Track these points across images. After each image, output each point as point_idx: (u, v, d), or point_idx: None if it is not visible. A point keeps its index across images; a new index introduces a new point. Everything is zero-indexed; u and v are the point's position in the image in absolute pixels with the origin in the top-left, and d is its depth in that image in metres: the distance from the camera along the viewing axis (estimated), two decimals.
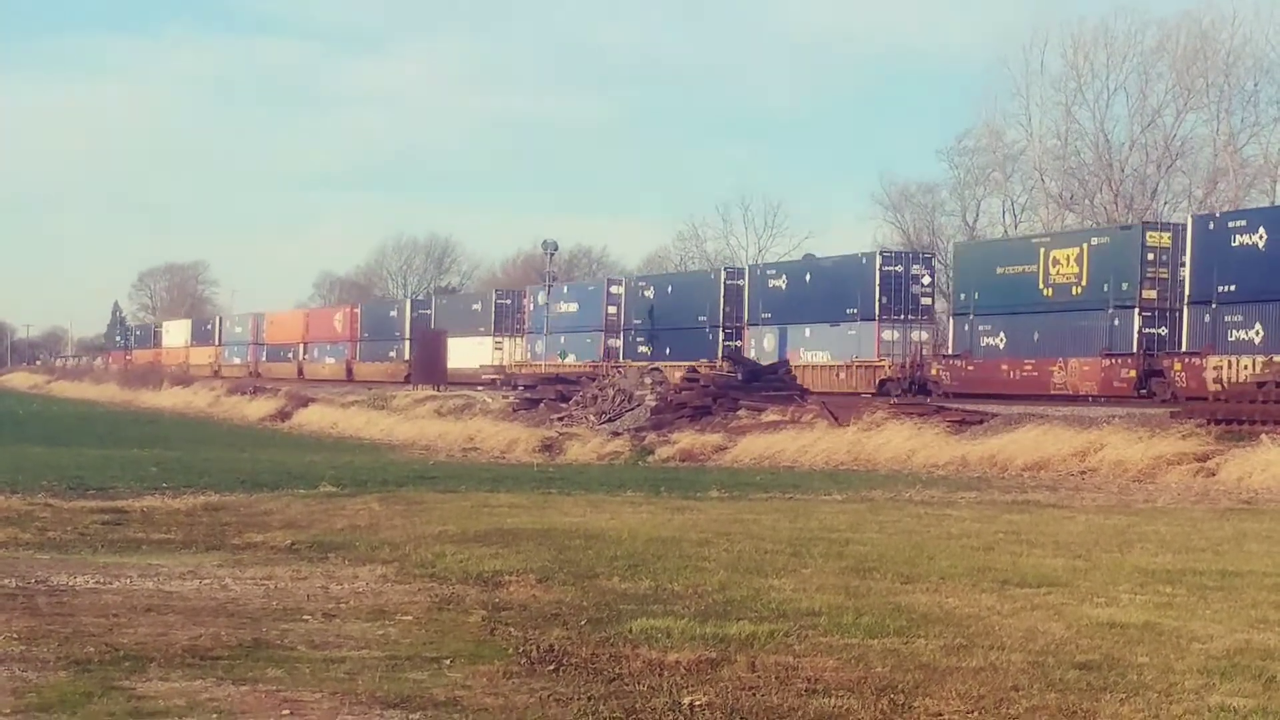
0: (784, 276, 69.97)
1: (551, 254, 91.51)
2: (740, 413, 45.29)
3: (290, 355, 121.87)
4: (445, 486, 27.37)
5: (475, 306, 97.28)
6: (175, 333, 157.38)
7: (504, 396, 58.56)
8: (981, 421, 39.48)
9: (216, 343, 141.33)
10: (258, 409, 66.81)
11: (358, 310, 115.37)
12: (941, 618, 12.83)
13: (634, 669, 10.46)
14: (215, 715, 9.11)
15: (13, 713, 9.05)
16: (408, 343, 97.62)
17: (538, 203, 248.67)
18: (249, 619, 12.52)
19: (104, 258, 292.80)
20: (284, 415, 62.96)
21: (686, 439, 41.44)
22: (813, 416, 42.86)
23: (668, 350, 74.57)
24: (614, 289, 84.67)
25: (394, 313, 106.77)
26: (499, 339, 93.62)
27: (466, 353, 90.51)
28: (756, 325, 69.38)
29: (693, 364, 56.05)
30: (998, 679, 10.24)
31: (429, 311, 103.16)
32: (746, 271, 75.98)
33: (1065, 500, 26.82)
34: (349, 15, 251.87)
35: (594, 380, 53.07)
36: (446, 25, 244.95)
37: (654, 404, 46.42)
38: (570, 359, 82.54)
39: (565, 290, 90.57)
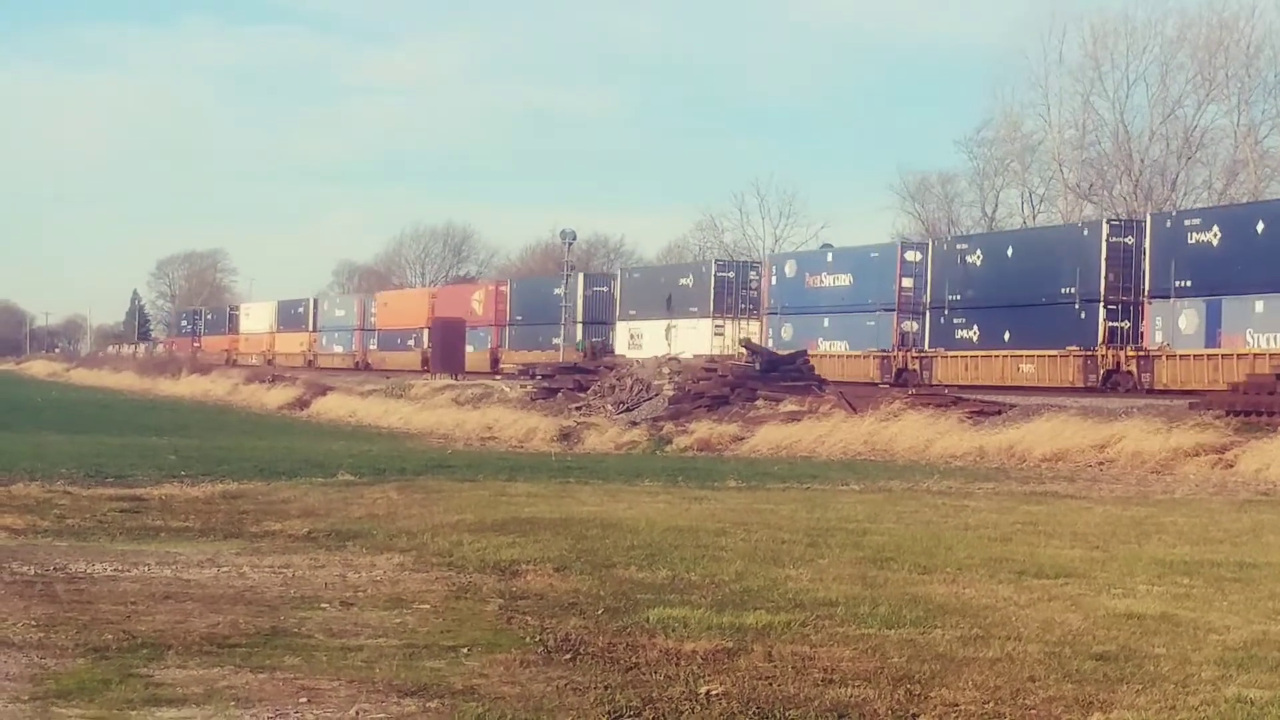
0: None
1: (570, 243, 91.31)
2: (758, 403, 45.26)
3: (411, 342, 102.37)
4: (463, 475, 27.40)
5: (684, 281, 77.98)
6: (257, 316, 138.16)
7: (522, 386, 58.55)
8: (999, 412, 39.44)
9: (310, 328, 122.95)
10: (276, 397, 66.88)
11: (506, 289, 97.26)
12: (958, 608, 12.83)
13: (651, 658, 10.48)
14: (233, 703, 9.13)
15: (31, 699, 9.07)
16: (580, 327, 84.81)
17: (554, 193, 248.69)
18: (267, 607, 12.54)
19: (122, 247, 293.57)
20: (302, 404, 63.04)
21: (704, 429, 41.44)
22: (830, 406, 42.83)
23: (1006, 335, 55.00)
24: (911, 254, 62.24)
25: (559, 290, 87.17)
26: (719, 321, 74.40)
27: (664, 339, 73.69)
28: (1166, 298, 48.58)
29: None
30: (1014, 670, 10.24)
31: (606, 289, 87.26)
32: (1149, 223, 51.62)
33: (1083, 491, 26.79)
34: (366, 6, 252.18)
35: (612, 369, 53.02)
36: (462, 17, 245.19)
37: (672, 394, 46.39)
38: (839, 347, 63.72)
39: (829, 258, 68.54)
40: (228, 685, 9.58)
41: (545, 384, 55.35)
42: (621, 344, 77.93)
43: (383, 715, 8.89)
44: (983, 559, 16.07)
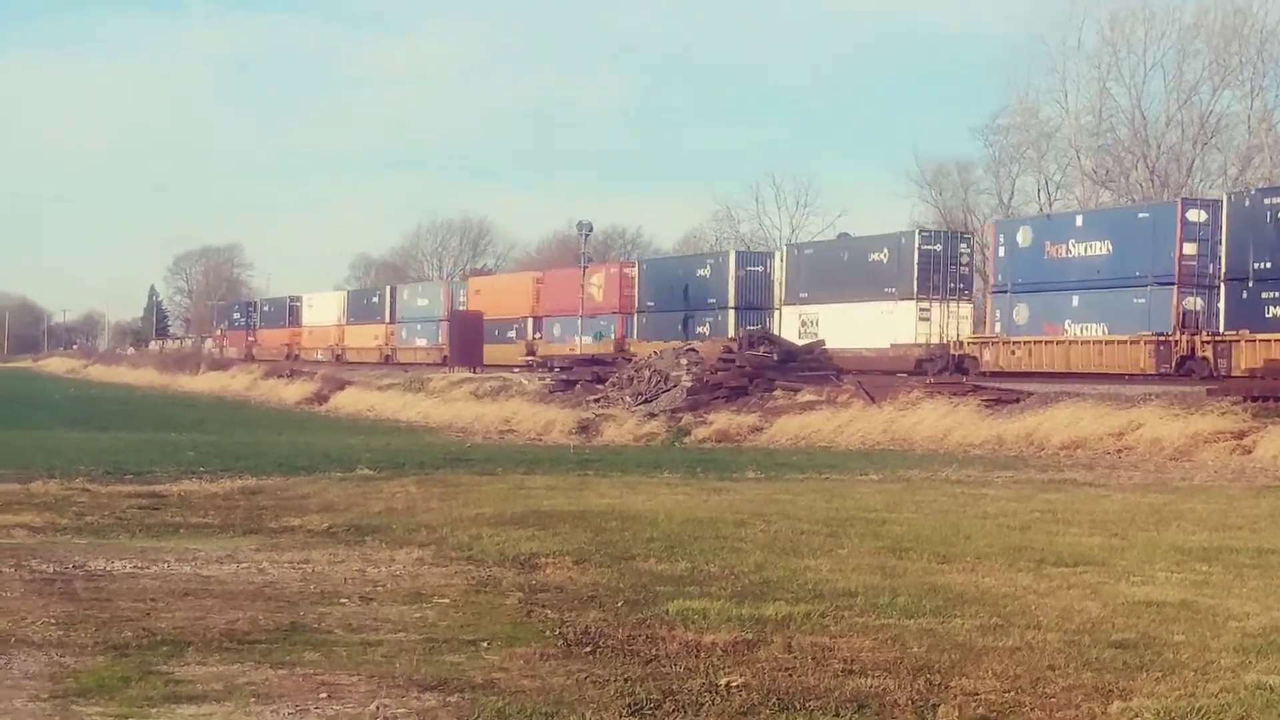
0: None
1: (586, 235, 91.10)
2: (776, 393, 45.26)
3: (512, 333, 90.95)
4: (482, 469, 27.42)
5: (876, 256, 64.53)
6: (323, 307, 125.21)
7: (540, 378, 58.59)
8: (1017, 400, 39.37)
9: (387, 319, 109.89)
10: (294, 392, 67.03)
11: (634, 271, 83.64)
12: (978, 597, 12.82)
13: (670, 650, 10.48)
14: (253, 699, 9.14)
15: (50, 698, 9.09)
16: (733, 314, 72.44)
17: (570, 184, 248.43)
18: (286, 603, 12.56)
19: (138, 243, 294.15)
20: (321, 398, 63.15)
21: (722, 420, 41.46)
22: (848, 396, 42.83)
23: None
24: (1194, 213, 49.37)
25: (703, 272, 76.77)
26: (925, 304, 61.29)
27: (849, 326, 62.45)
28: None
29: (728, 344, 54.91)
30: (1034, 658, 10.23)
31: (762, 269, 74.25)
32: None
33: (1101, 479, 26.76)
34: None
35: (630, 361, 53.05)
36: (472, 3, 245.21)
37: (690, 385, 46.39)
38: (1096, 330, 51.61)
39: (1079, 222, 55.06)
40: (247, 681, 9.59)
41: (563, 376, 55.39)
42: (789, 332, 63.95)
43: (403, 710, 8.90)
44: (1001, 547, 16.07)
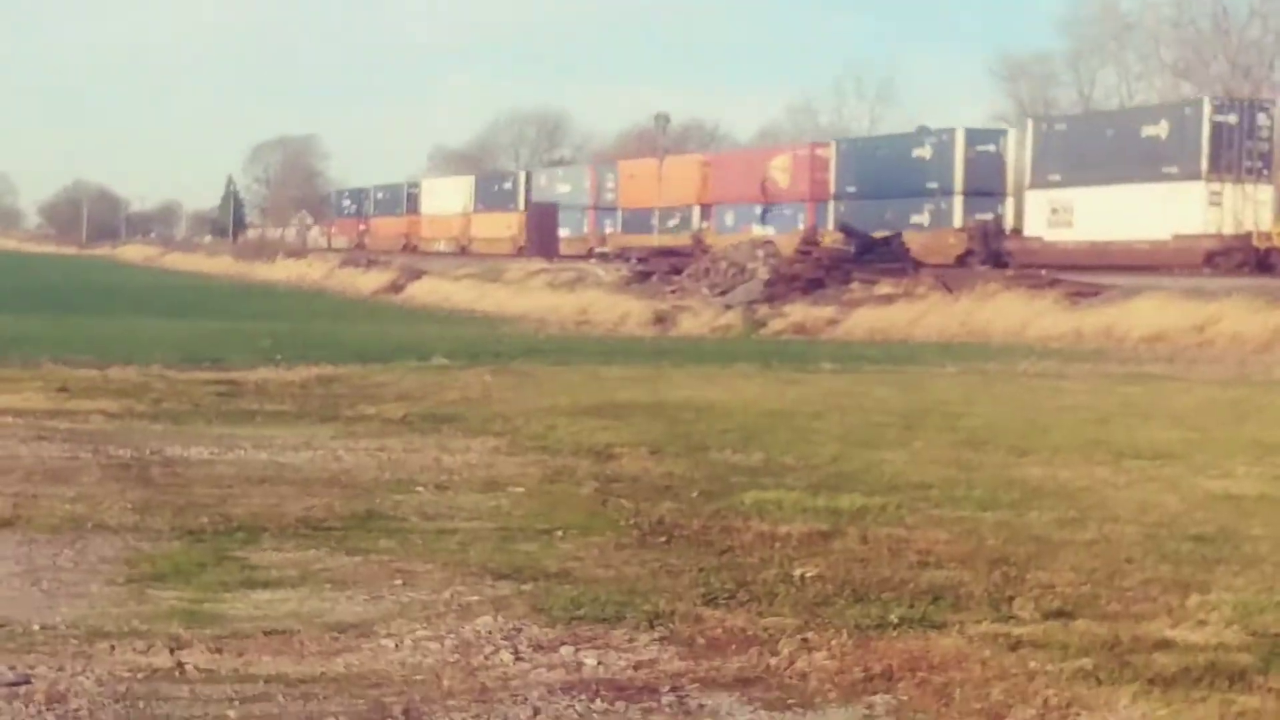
0: None
1: (664, 127, 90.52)
2: (853, 285, 45.06)
3: (674, 223, 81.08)
4: (557, 359, 27.41)
5: (1151, 130, 55.58)
6: (446, 194, 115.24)
7: (616, 270, 58.50)
8: (1097, 293, 39.08)
9: (521, 208, 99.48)
10: (371, 281, 67.10)
11: (829, 152, 73.36)
12: (1055, 490, 12.74)
13: (745, 541, 10.44)
14: (328, 585, 9.16)
15: (126, 582, 9.13)
16: (960, 200, 63.31)
17: (647, 75, 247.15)
18: (362, 490, 12.58)
19: (215, 131, 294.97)
20: (397, 287, 63.20)
21: (799, 312, 41.31)
22: (926, 288, 42.60)
23: None
24: None
25: (921, 151, 66.79)
26: (1215, 186, 52.55)
27: (1114, 214, 54.24)
28: None
29: (806, 236, 54.13)
30: (1111, 551, 10.15)
31: (994, 148, 65.61)
32: None
33: (1182, 372, 26.54)
34: None
35: (706, 252, 52.87)
36: None
37: (766, 276, 46.20)
38: None
39: None
40: (322, 568, 9.62)
41: (640, 267, 55.28)
42: (1036, 221, 58.15)
43: (476, 597, 8.90)
44: (1079, 441, 15.95)
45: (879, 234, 53.15)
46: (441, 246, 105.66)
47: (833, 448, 15.13)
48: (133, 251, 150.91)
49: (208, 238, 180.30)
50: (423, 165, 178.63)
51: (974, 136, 66.40)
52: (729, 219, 77.87)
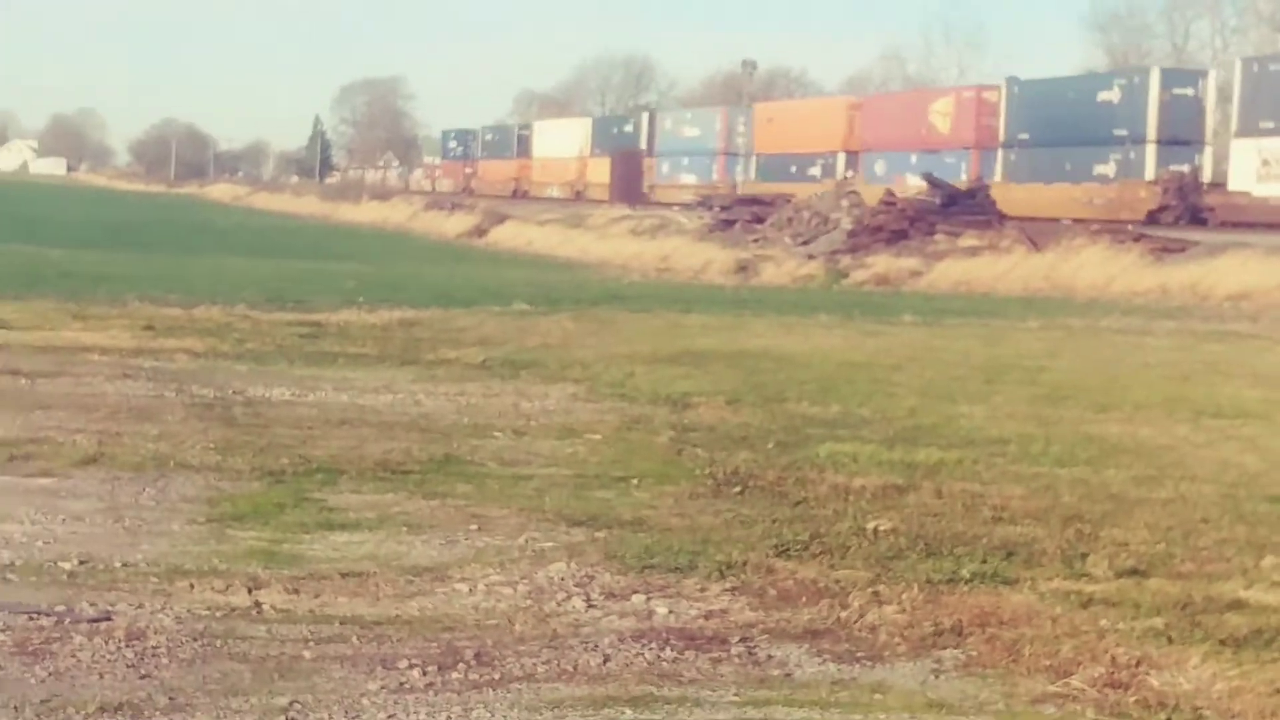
0: None
1: (751, 73, 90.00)
2: (937, 237, 44.80)
3: (815, 170, 74.58)
4: (637, 306, 27.41)
5: None
6: (559, 136, 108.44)
7: (700, 217, 58.38)
8: (1184, 249, 38.73)
9: (645, 150, 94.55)
10: (455, 225, 67.25)
11: (996, 95, 66.31)
12: (1133, 448, 12.69)
13: (820, 493, 10.46)
14: (405, 528, 9.26)
15: (207, 521, 9.26)
16: (1151, 148, 56.92)
17: (732, 20, 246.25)
18: (440, 434, 12.67)
19: (303, 73, 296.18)
20: (480, 231, 63.32)
21: (881, 263, 41.13)
22: (1010, 242, 42.33)
23: None
24: None
25: (1108, 95, 60.46)
26: None
27: None
28: None
29: (889, 188, 53.46)
30: (1187, 511, 10.12)
31: (1192, 92, 58.92)
32: None
33: (1267, 331, 26.28)
34: None
35: (789, 201, 52.66)
36: None
37: (850, 227, 46.00)
38: None
39: None
40: (400, 511, 9.71)
41: (723, 215, 55.12)
42: (1243, 174, 52.58)
43: (551, 544, 8.96)
44: (1160, 398, 15.88)
45: (964, 185, 52.72)
46: (554, 192, 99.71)
47: (910, 401, 15.11)
48: (220, 190, 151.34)
49: (294, 178, 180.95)
50: (508, 108, 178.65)
51: (1170, 78, 60.11)
52: (879, 167, 70.02)
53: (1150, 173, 55.15)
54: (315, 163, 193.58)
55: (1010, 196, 56.87)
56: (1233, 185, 53.58)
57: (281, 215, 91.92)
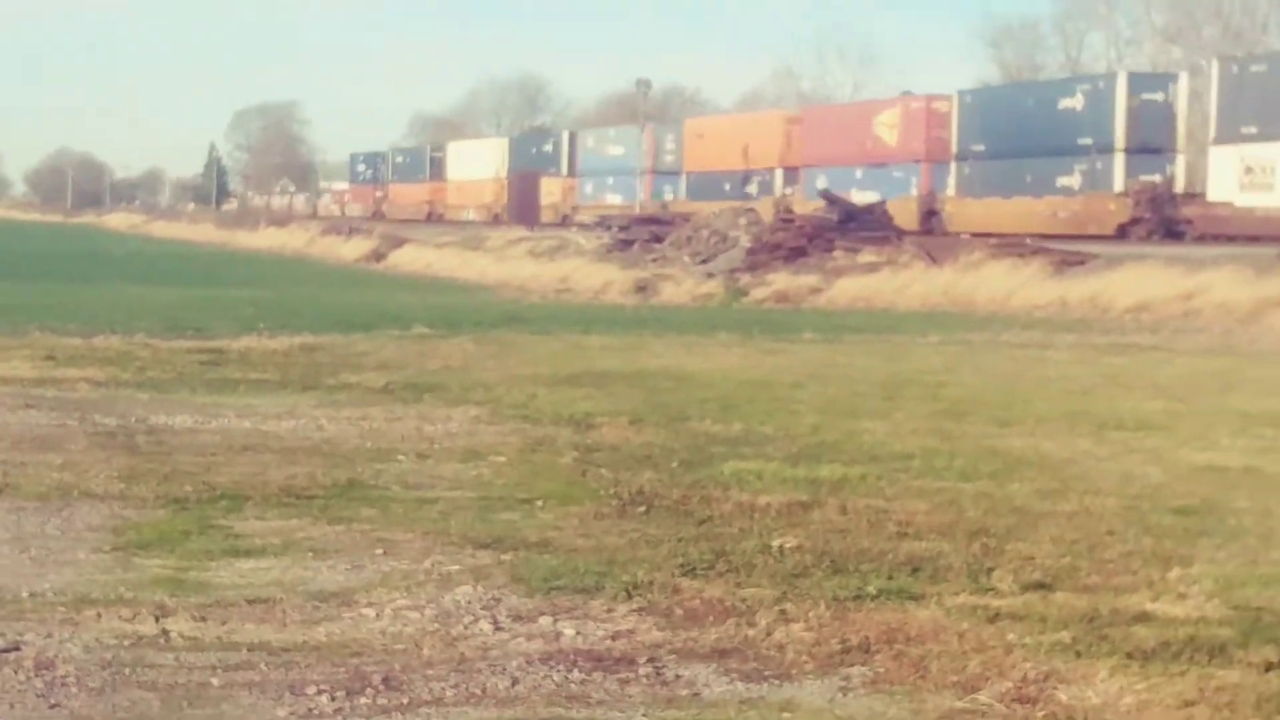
0: None
1: (645, 93, 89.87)
2: (836, 254, 44.98)
3: (751, 188, 70.96)
4: (538, 328, 27.39)
5: None
6: (476, 158, 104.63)
7: (598, 237, 58.38)
8: (1083, 262, 39.04)
9: (564, 171, 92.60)
10: (353, 249, 66.94)
11: (946, 105, 62.95)
12: (1036, 461, 12.77)
13: (724, 511, 10.47)
14: (310, 553, 9.21)
15: (112, 550, 9.19)
16: (1119, 157, 54.09)
17: (626, 40, 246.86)
18: (344, 459, 12.61)
19: (197, 99, 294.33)
20: (378, 256, 63.09)
21: (781, 281, 41.24)
22: (909, 257, 42.57)
23: None
24: None
25: (1070, 101, 57.75)
26: None
27: None
28: None
29: (786, 204, 53.40)
30: (1092, 523, 10.19)
31: (1162, 97, 55.65)
32: None
33: (1167, 343, 26.56)
34: None
35: (688, 220, 52.73)
36: None
37: (749, 245, 46.13)
38: None
39: None
40: (305, 536, 9.66)
41: (621, 235, 55.12)
42: (1224, 183, 49.05)
43: (457, 567, 8.93)
44: (1062, 411, 15.99)
45: (862, 202, 52.88)
46: (471, 215, 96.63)
47: (813, 418, 15.16)
48: (117, 219, 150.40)
49: (191, 205, 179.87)
50: (402, 132, 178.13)
51: (1138, 82, 56.82)
52: (821, 183, 63.30)
53: (1119, 184, 52.99)
54: (212, 189, 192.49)
55: (966, 212, 56.31)
56: (1212, 195, 50.39)
57: (179, 242, 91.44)
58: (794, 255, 45.10)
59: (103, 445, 13.12)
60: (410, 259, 59.98)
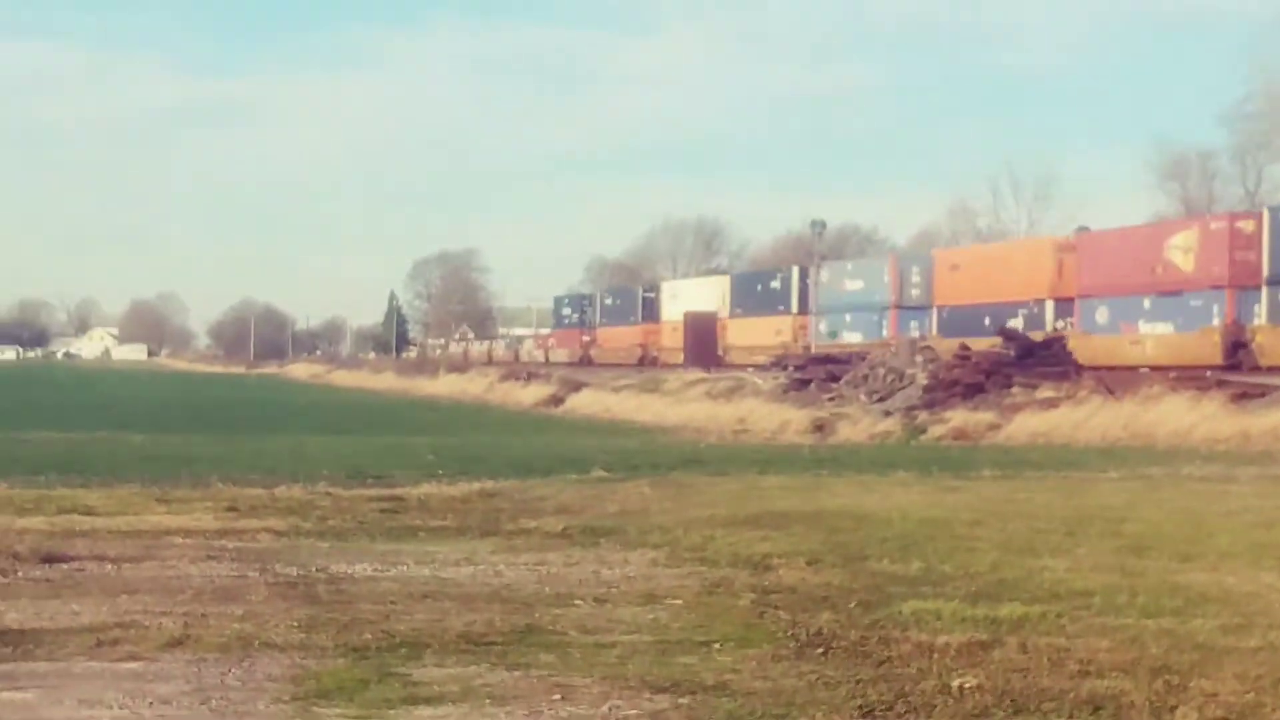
0: None
1: (820, 233, 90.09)
2: (1013, 390, 44.74)
3: (1014, 320, 63.82)
4: (715, 469, 27.42)
5: None
6: (693, 296, 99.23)
7: (774, 378, 58.45)
8: (1264, 394, 38.51)
9: (794, 309, 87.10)
10: (531, 394, 67.52)
11: (1253, 224, 54.30)
12: (1219, 597, 12.58)
13: (903, 652, 10.41)
14: (488, 700, 9.26)
15: (292, 700, 9.29)
16: None
17: (803, 180, 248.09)
18: (522, 604, 12.67)
19: (377, 248, 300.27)
20: (557, 400, 63.57)
21: (959, 417, 41.05)
22: (1088, 392, 42.20)
23: None
24: None
25: None
26: None
27: None
28: None
29: (963, 341, 53.10)
30: (1277, 659, 10.01)
31: None
32: None
33: None
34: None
35: (864, 359, 52.73)
36: (711, 5, 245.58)
37: (925, 382, 46.03)
38: None
39: None
40: (483, 683, 9.71)
41: (798, 375, 55.22)
42: None
43: (635, 711, 8.95)
44: (1245, 545, 15.74)
45: (1038, 336, 52.61)
46: (685, 356, 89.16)
47: (992, 555, 15.04)
48: (299, 369, 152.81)
49: (371, 354, 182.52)
50: (580, 277, 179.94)
51: None
52: (1101, 315, 60.16)
53: None
54: (392, 338, 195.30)
55: None
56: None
57: (360, 391, 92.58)
58: (971, 392, 44.94)
59: (283, 595, 13.26)
60: (589, 403, 60.35)
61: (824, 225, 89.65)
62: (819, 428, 42.10)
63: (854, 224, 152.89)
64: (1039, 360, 47.78)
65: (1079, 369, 47.83)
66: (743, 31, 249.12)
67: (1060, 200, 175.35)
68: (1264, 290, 52.00)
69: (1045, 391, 43.55)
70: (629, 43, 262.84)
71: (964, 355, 48.08)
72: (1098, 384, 43.08)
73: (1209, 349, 51.51)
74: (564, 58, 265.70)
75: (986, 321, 64.20)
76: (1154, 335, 51.91)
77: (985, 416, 40.90)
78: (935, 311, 72.07)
